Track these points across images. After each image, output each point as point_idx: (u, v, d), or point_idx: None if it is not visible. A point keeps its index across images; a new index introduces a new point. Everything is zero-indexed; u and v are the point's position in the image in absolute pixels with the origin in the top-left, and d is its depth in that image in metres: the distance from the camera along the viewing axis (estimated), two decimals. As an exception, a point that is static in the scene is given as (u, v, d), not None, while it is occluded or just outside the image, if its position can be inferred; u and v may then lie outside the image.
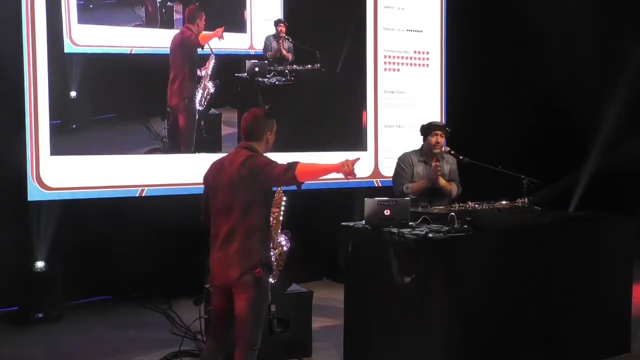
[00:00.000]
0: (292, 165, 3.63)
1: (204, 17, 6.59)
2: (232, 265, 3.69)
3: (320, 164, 3.86)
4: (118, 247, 6.30)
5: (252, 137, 3.85)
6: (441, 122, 5.73)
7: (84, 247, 6.29)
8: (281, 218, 4.22)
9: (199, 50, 6.61)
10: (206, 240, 3.92)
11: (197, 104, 6.66)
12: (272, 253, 4.02)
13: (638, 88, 8.01)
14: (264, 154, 3.83)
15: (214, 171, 3.87)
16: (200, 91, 6.65)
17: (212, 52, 6.65)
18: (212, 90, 6.67)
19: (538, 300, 4.59)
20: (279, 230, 4.26)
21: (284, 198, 4.20)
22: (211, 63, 6.66)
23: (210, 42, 6.61)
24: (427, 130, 5.49)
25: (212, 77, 6.68)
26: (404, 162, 5.50)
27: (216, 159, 3.92)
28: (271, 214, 3.99)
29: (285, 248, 4.34)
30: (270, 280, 3.94)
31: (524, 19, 7.97)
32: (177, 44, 6.54)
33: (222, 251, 3.74)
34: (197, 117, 6.66)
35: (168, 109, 6.55)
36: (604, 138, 8.07)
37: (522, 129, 8.04)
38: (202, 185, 3.97)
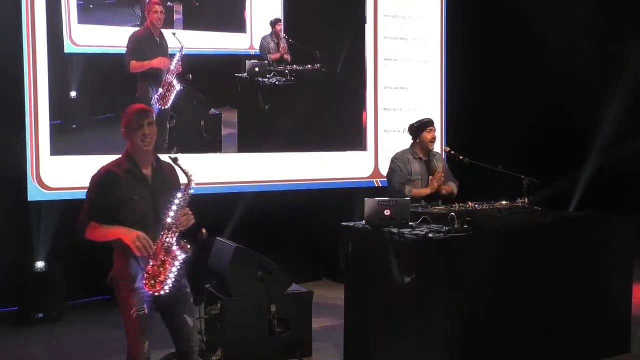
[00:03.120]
0: (85, 219, 3.55)
1: (160, 9, 6.34)
2: None
3: (115, 230, 3.51)
4: (118, 247, 6.29)
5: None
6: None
7: (84, 247, 6.22)
8: (169, 220, 3.48)
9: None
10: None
11: (155, 102, 6.39)
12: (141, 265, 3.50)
13: (638, 88, 8.02)
14: (101, 174, 3.55)
15: None
16: (161, 89, 6.40)
17: (182, 46, 6.43)
18: (178, 87, 6.43)
19: (538, 300, 4.59)
20: (170, 236, 3.49)
21: (177, 197, 3.52)
22: (175, 59, 6.43)
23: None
24: (421, 127, 5.49)
25: (180, 73, 6.46)
26: (400, 160, 5.48)
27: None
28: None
29: (176, 257, 3.49)
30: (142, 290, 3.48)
31: (524, 19, 7.98)
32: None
33: None
34: (164, 117, 6.41)
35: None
36: (604, 138, 8.07)
37: (522, 128, 8.04)
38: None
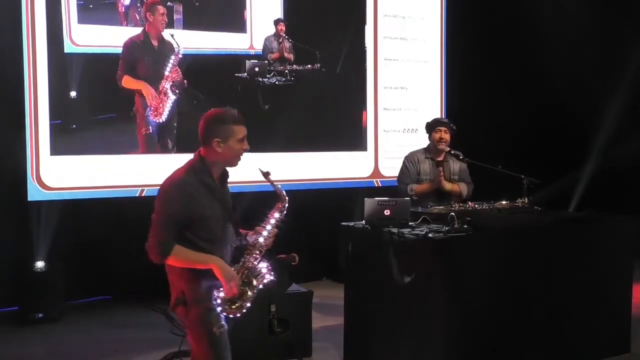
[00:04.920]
0: (168, 241, 3.12)
1: (162, 11, 6.27)
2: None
3: (207, 260, 3.15)
4: (118, 247, 6.30)
5: (202, 140, 3.23)
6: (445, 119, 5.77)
7: (84, 247, 6.29)
8: (262, 240, 3.30)
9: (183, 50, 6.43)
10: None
11: (149, 115, 6.33)
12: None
13: (638, 88, 8.02)
14: (180, 185, 3.13)
15: None
16: (154, 102, 6.31)
17: (178, 50, 6.34)
18: (172, 97, 6.30)
19: (538, 300, 4.59)
20: (257, 257, 3.29)
21: (274, 218, 3.36)
22: (169, 63, 6.32)
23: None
24: (431, 126, 5.54)
25: (176, 80, 6.39)
26: (409, 160, 5.53)
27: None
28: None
29: (263, 280, 3.27)
30: (223, 314, 3.21)
31: (524, 19, 7.98)
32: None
33: None
34: (148, 128, 6.35)
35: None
36: (604, 138, 8.07)
37: (522, 128, 8.04)
38: None
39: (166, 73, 6.35)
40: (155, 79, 6.36)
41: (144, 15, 6.33)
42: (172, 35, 6.36)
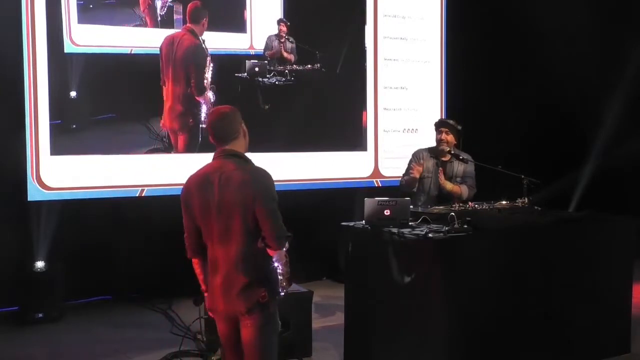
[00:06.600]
0: (286, 234, 3.24)
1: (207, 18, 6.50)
2: (239, 297, 3.25)
3: None
4: (118, 247, 6.31)
5: (229, 137, 3.31)
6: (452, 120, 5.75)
7: (84, 247, 6.29)
8: None
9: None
10: None
11: (204, 124, 6.46)
12: (278, 269, 3.43)
13: (638, 88, 8.02)
14: (267, 178, 3.25)
15: (201, 188, 3.31)
16: (204, 106, 6.46)
17: (208, 54, 6.51)
18: (212, 99, 6.46)
19: (538, 300, 4.59)
20: None
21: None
22: (210, 68, 6.49)
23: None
24: (435, 126, 5.64)
25: (211, 84, 6.57)
26: (415, 157, 5.64)
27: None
28: None
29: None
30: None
31: (524, 19, 7.97)
32: (182, 51, 6.36)
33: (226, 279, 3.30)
34: (200, 137, 6.50)
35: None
36: (604, 138, 8.07)
37: (522, 128, 8.04)
38: None
39: (210, 79, 6.50)
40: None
41: (198, 19, 6.41)
42: (203, 41, 6.44)
